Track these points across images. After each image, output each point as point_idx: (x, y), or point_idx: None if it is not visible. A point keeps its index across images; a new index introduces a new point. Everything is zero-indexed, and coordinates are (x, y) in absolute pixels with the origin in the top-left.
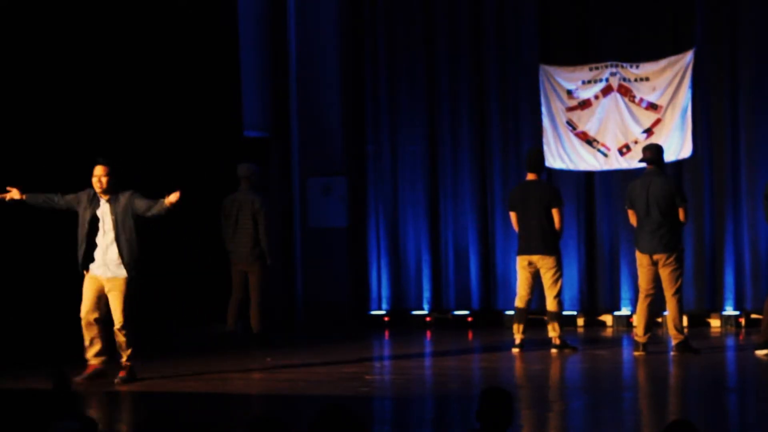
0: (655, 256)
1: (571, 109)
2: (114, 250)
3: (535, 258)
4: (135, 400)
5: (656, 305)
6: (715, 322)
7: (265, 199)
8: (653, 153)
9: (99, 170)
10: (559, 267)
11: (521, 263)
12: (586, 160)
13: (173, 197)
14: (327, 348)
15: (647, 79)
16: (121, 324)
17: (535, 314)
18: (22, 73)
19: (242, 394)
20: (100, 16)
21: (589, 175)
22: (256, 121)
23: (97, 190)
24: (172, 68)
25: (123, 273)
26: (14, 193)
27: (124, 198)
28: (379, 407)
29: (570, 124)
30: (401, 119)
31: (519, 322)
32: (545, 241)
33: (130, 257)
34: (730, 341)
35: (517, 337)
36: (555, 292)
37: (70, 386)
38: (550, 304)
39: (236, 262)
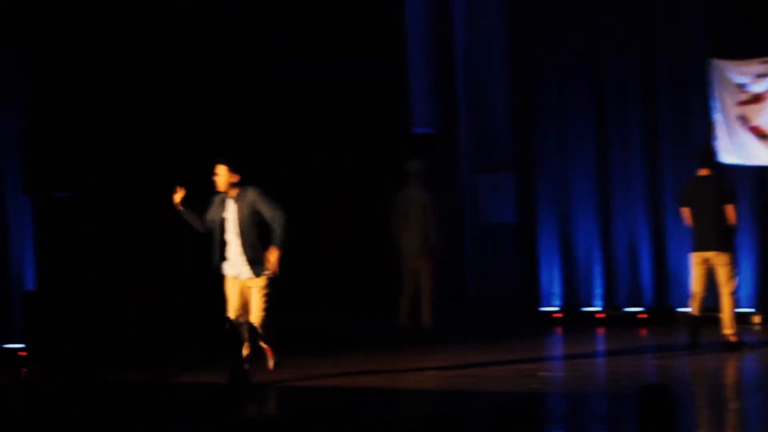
0: None
1: (743, 103)
2: (241, 250)
3: (709, 255)
4: (307, 396)
5: None
6: None
7: (435, 196)
8: None
9: (217, 169)
10: (734, 263)
11: (695, 260)
12: (760, 155)
13: (273, 259)
14: (498, 344)
15: None
16: (258, 323)
17: (709, 312)
18: (196, 74)
19: (415, 390)
20: (268, 16)
21: (763, 170)
22: (425, 117)
23: (218, 188)
24: (341, 67)
25: (256, 274)
26: (178, 196)
27: (250, 196)
28: (553, 404)
29: (743, 118)
30: (569, 114)
31: (693, 321)
32: (720, 238)
33: (254, 258)
34: None
35: (691, 335)
36: (730, 289)
37: (246, 381)
38: (725, 302)
39: (407, 258)
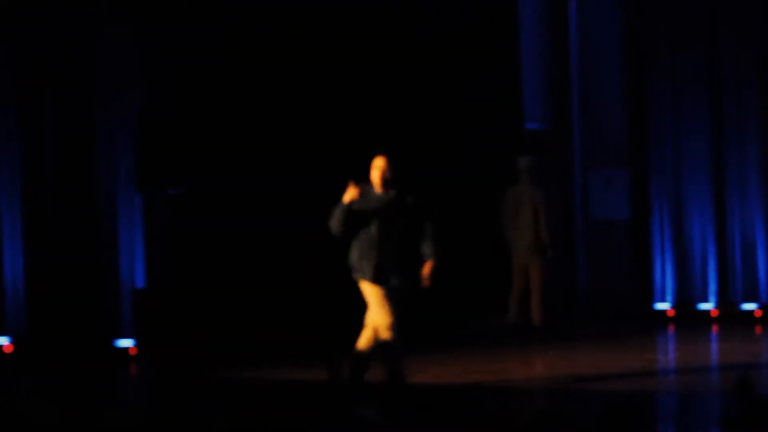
0: None
1: None
2: (377, 254)
3: None
4: (414, 393)
5: None
6: None
7: (546, 192)
8: None
9: (382, 162)
10: None
11: None
12: None
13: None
14: (610, 341)
15: None
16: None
17: None
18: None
19: (525, 388)
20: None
21: None
22: (537, 113)
23: (377, 183)
24: (454, 61)
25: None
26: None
27: (398, 199)
28: (665, 403)
29: None
30: (684, 109)
31: None
32: None
33: (393, 264)
34: None
35: None
36: None
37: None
38: None
39: (517, 255)
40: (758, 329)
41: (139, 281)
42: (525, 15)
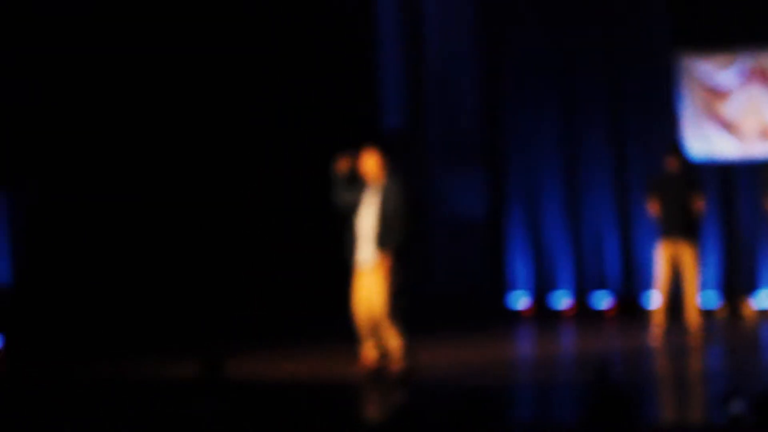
0: None
1: (709, 96)
2: (372, 238)
3: (676, 244)
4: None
5: None
6: None
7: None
8: None
9: (368, 155)
10: (698, 255)
11: (662, 249)
12: (726, 148)
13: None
14: (466, 338)
15: None
16: (382, 313)
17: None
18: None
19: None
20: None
21: (728, 163)
22: (393, 111)
23: (368, 176)
24: (311, 61)
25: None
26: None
27: (394, 188)
28: (520, 395)
29: (709, 111)
30: (538, 108)
31: (659, 310)
32: (686, 228)
33: (386, 241)
34: None
35: (658, 325)
36: (695, 278)
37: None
38: (689, 291)
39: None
40: (610, 323)
41: (4, 278)
42: (382, 13)
